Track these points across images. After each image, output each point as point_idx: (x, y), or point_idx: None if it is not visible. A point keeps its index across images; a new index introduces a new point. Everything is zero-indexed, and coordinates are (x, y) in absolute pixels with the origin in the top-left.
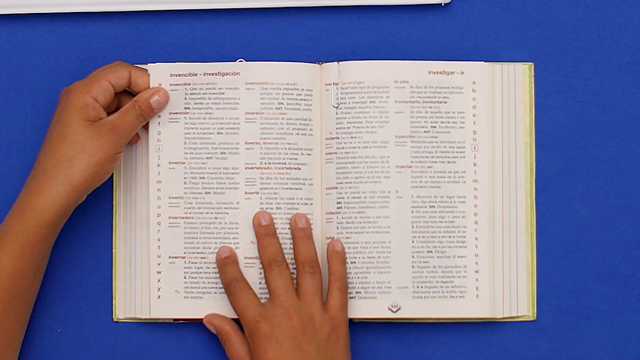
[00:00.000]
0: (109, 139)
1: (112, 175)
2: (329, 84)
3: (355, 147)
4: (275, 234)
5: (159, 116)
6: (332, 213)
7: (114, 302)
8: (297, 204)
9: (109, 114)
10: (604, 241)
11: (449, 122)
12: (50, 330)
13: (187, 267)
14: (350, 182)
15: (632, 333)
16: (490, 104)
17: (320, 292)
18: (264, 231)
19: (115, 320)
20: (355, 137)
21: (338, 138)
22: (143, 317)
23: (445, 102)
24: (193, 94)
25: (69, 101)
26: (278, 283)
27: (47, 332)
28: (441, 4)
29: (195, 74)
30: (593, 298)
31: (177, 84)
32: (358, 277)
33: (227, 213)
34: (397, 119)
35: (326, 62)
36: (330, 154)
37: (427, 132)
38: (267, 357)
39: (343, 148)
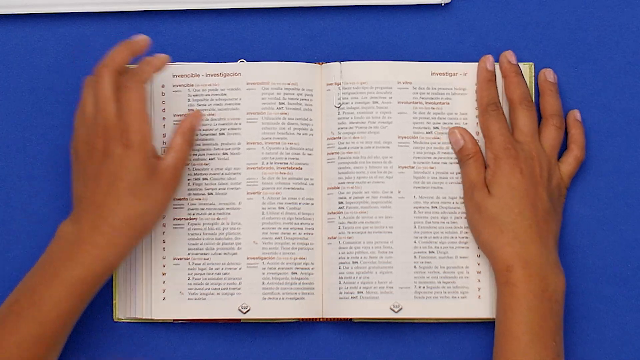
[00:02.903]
0: (174, 185)
1: None
2: (331, 84)
3: (358, 147)
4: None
5: (163, 118)
6: (334, 213)
7: (114, 302)
8: (299, 203)
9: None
10: (604, 241)
11: (451, 123)
12: None
13: (191, 269)
14: (353, 182)
15: (632, 333)
16: None
17: (558, 149)
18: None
19: (115, 320)
20: (358, 137)
21: (340, 138)
22: (145, 318)
23: (448, 104)
24: (196, 95)
25: (132, 158)
26: (527, 123)
27: None
28: (441, 4)
29: (198, 75)
30: (593, 298)
31: (179, 85)
32: (360, 277)
33: (230, 213)
34: (400, 120)
35: (326, 62)
36: (332, 154)
37: (429, 132)
38: (509, 182)
39: (345, 148)
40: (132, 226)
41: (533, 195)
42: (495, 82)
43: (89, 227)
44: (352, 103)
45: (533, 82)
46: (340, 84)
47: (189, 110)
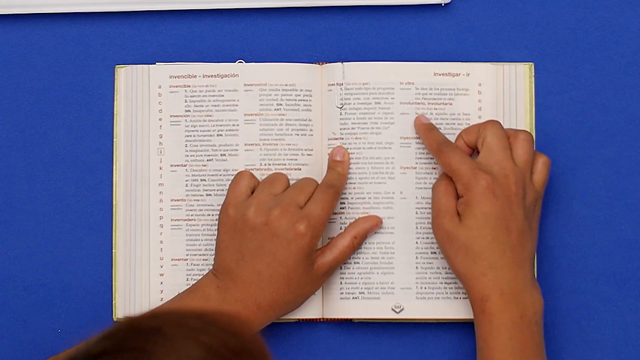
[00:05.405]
0: (323, 281)
1: (112, 175)
2: (333, 85)
3: (360, 148)
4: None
5: (160, 119)
6: (336, 213)
7: (114, 302)
8: None
9: None
10: (604, 241)
11: (454, 124)
12: (50, 330)
13: (190, 269)
14: (354, 183)
15: (632, 333)
16: (495, 106)
17: (531, 162)
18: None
19: (115, 320)
20: (360, 138)
21: (342, 139)
22: None
23: (451, 104)
24: (193, 96)
25: (300, 247)
26: (495, 140)
27: (47, 332)
28: (441, 4)
29: (195, 76)
30: (593, 298)
31: (176, 86)
32: (361, 278)
33: None
34: (402, 120)
35: (326, 62)
36: None
37: None
38: (482, 210)
39: (347, 148)
40: (275, 310)
41: (507, 217)
42: (435, 127)
43: (234, 300)
44: (354, 104)
45: (533, 82)
46: (342, 84)
47: (185, 111)
